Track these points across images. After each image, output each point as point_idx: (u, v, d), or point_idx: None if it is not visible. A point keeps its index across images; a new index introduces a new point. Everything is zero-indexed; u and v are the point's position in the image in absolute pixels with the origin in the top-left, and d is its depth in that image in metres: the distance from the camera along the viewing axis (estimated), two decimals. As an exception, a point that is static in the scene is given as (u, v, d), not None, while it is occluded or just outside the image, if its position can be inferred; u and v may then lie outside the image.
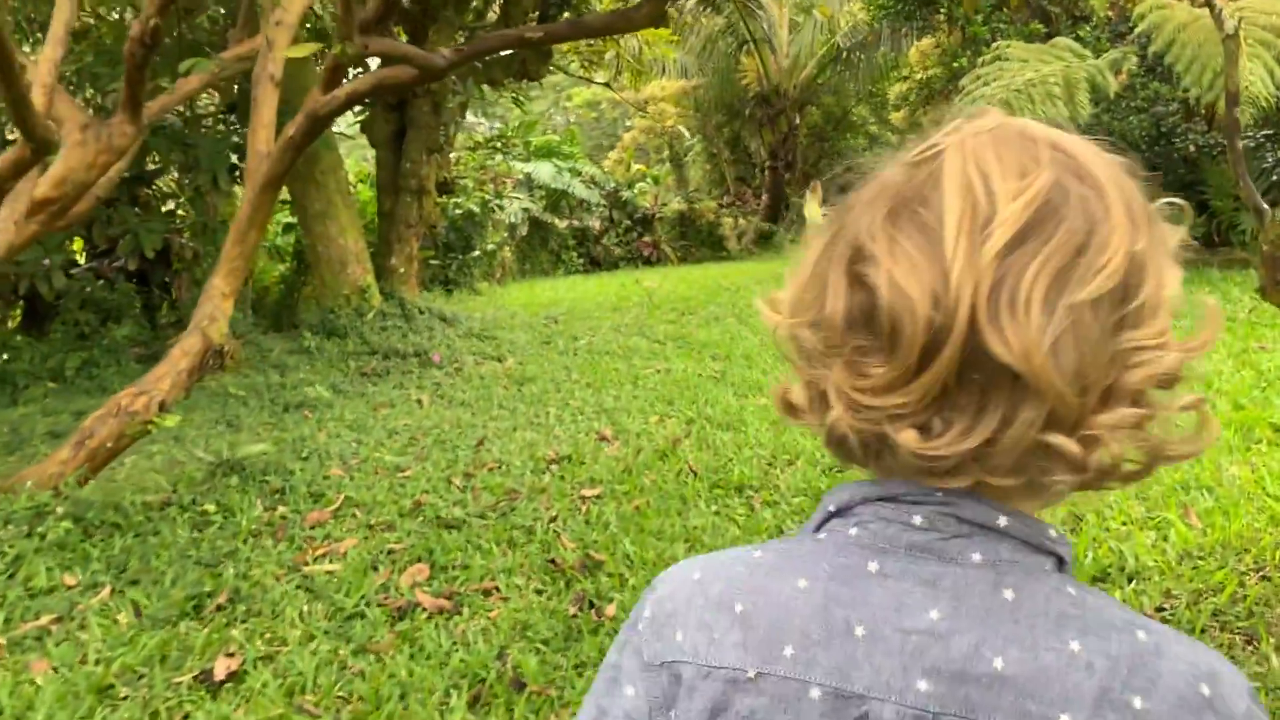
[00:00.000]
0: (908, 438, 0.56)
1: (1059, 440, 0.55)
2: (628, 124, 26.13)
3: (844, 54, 21.96)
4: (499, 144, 14.91)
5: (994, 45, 10.41)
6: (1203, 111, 10.69)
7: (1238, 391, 4.95)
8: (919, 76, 13.92)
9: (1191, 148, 10.32)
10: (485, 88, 10.92)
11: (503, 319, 10.22)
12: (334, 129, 11.63)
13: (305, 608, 3.26)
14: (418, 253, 10.01)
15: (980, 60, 10.44)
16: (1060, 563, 0.61)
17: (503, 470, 4.71)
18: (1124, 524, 3.43)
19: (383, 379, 7.34)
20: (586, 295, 12.90)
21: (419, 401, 6.51)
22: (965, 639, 0.56)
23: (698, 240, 20.72)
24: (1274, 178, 10.01)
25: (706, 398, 6.10)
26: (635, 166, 26.10)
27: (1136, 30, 10.06)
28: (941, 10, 12.10)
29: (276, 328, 9.38)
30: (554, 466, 4.74)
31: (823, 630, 0.59)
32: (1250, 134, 10.23)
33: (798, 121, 23.56)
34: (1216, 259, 9.96)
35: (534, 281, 15.67)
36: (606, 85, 11.56)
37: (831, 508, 0.65)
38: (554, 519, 3.96)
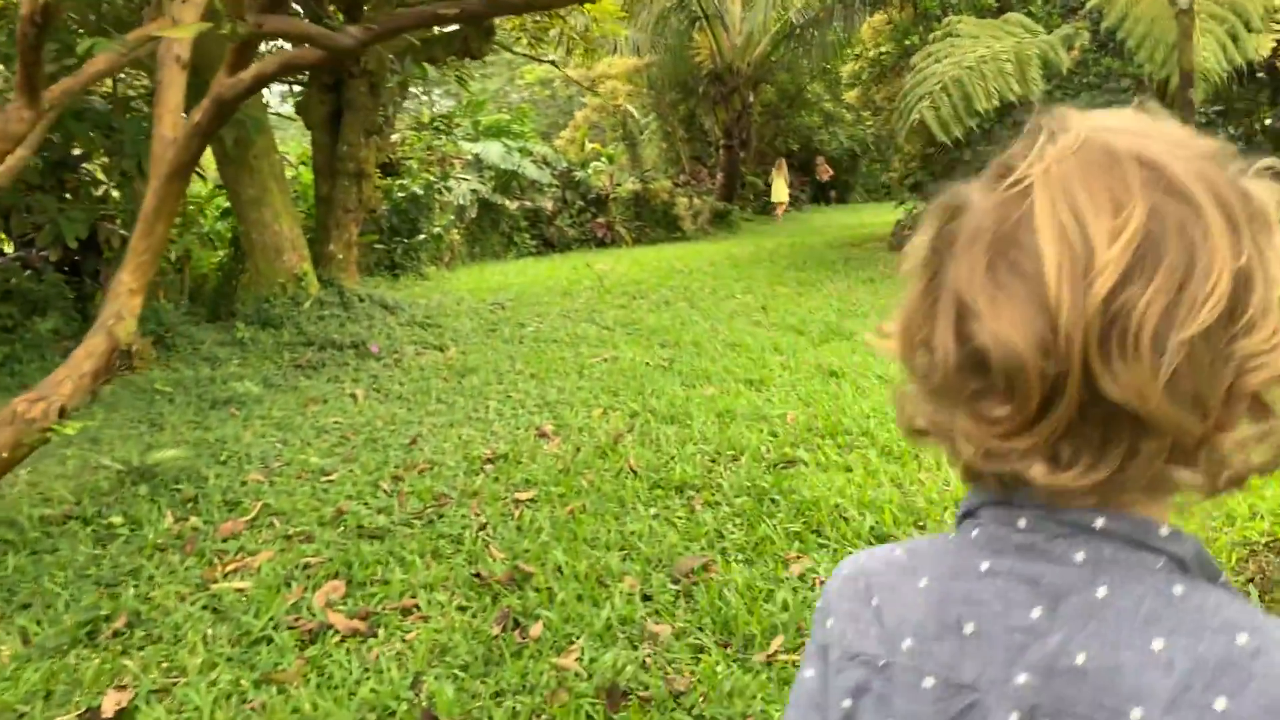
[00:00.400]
0: (1038, 472, 0.58)
1: (1183, 474, 0.59)
2: (582, 102, 25.76)
3: (797, 30, 21.78)
4: (442, 124, 14.53)
5: (945, 21, 10.28)
6: (1155, 88, 10.64)
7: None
8: (871, 54, 13.77)
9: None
10: (428, 67, 10.60)
11: (448, 305, 9.94)
12: (273, 111, 11.24)
13: (209, 631, 3.02)
14: (358, 238, 9.69)
15: (932, 36, 10.29)
16: (1180, 561, 0.61)
17: (434, 472, 4.49)
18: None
19: (317, 372, 7.06)
20: (537, 279, 12.64)
21: (353, 396, 6.24)
22: (1057, 636, 0.60)
23: (652, 221, 20.47)
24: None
25: (653, 388, 5.91)
26: (590, 145, 25.76)
27: (1088, 6, 9.97)
28: (893, -14, 11.94)
29: (214, 317, 9.03)
30: (489, 467, 4.53)
31: (937, 626, 0.65)
32: (1202, 109, 10.19)
33: (752, 99, 23.37)
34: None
35: (484, 265, 15.36)
36: (552, 63, 11.24)
37: (963, 510, 0.70)
38: (484, 526, 3.75)
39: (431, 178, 13.22)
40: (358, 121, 9.10)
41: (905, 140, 9.61)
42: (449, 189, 14.32)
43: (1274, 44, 8.65)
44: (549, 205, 18.68)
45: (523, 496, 4.05)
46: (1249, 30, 7.71)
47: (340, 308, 8.76)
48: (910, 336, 0.67)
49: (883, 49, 13.36)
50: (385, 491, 4.26)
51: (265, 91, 10.71)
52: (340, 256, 9.31)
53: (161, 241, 4.41)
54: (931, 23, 11.26)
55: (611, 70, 21.12)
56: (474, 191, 15.35)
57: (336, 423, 5.55)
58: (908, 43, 11.58)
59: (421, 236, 12.95)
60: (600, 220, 19.29)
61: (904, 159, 13.83)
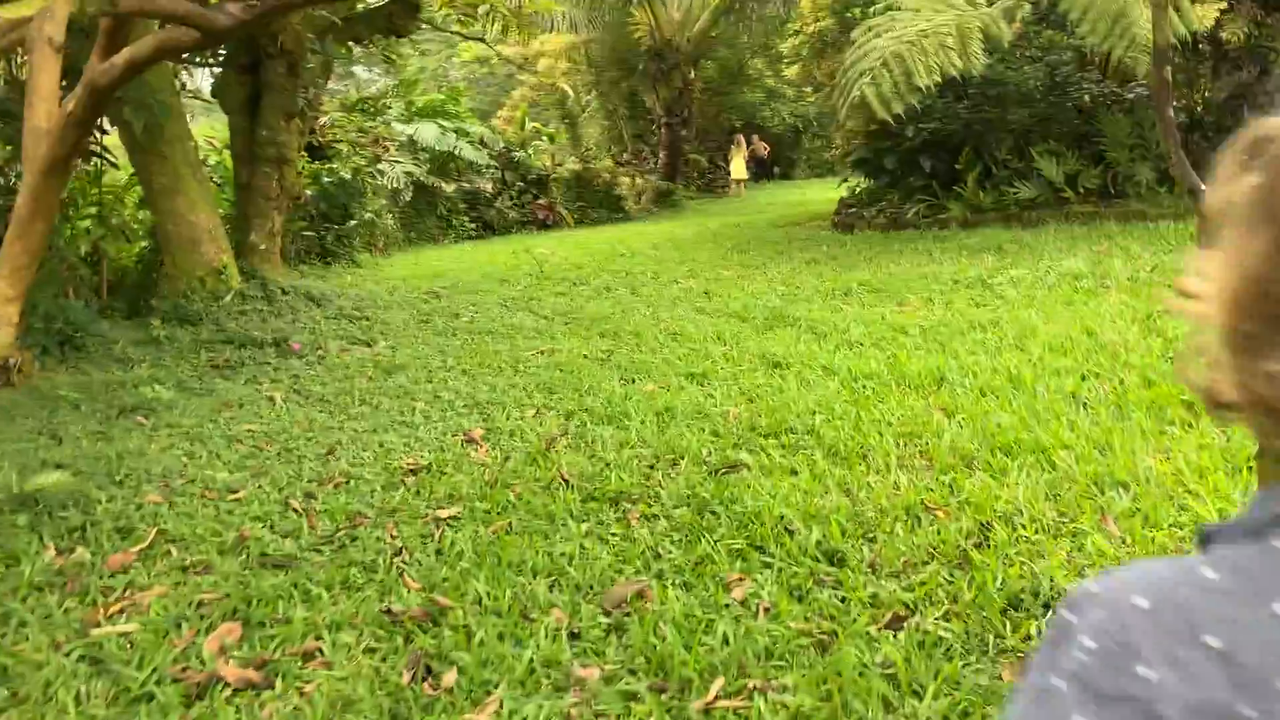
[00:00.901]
0: None
1: None
2: (521, 81, 25.23)
3: (736, 5, 21.48)
4: (369, 105, 14.01)
5: (884, -4, 10.03)
6: (1096, 61, 10.54)
7: (1146, 364, 4.68)
8: (811, 29, 13.54)
9: (1087, 98, 10.15)
10: (354, 46, 10.13)
11: (379, 295, 9.53)
12: (188, 95, 10.69)
13: (84, 688, 2.68)
14: (281, 227, 9.24)
15: (873, 10, 10.06)
16: None
17: (351, 487, 4.16)
18: (1035, 533, 3.08)
19: (235, 372, 6.65)
20: (474, 265, 12.25)
21: (271, 399, 5.86)
22: None
23: (595, 201, 20.11)
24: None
25: (590, 385, 5.62)
26: (531, 125, 25.27)
27: None
28: (832, -42, 11.68)
29: (134, 313, 8.54)
30: (411, 479, 4.21)
31: None
32: (1143, 84, 10.11)
33: (693, 76, 23.04)
34: (1113, 211, 9.85)
35: (421, 250, 14.90)
36: (481, 40, 10.83)
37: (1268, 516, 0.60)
38: (400, 551, 3.44)
39: (361, 161, 12.71)
40: (277, 104, 8.63)
41: (847, 117, 9.37)
42: (381, 172, 13.83)
43: (1217, 14, 8.54)
44: (488, 187, 18.24)
45: (445, 514, 3.74)
46: (1192, 1, 7.58)
47: (263, 301, 8.33)
48: (1263, 293, 0.59)
49: (823, 23, 13.14)
50: (296, 511, 3.93)
51: (185, 75, 10.19)
52: (263, 247, 8.86)
53: (41, 242, 4.01)
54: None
55: (548, 48, 20.65)
56: (408, 174, 14.88)
57: (250, 431, 5.17)
58: (848, 15, 11.34)
59: (353, 222, 12.47)
60: (541, 202, 18.89)
61: (846, 136, 13.62)
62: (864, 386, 5.05)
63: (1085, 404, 4.33)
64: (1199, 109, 9.99)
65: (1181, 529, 2.94)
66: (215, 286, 8.20)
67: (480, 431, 4.85)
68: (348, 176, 12.28)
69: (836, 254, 10.25)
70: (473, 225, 17.60)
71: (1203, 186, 1.93)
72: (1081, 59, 10.53)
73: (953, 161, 11.32)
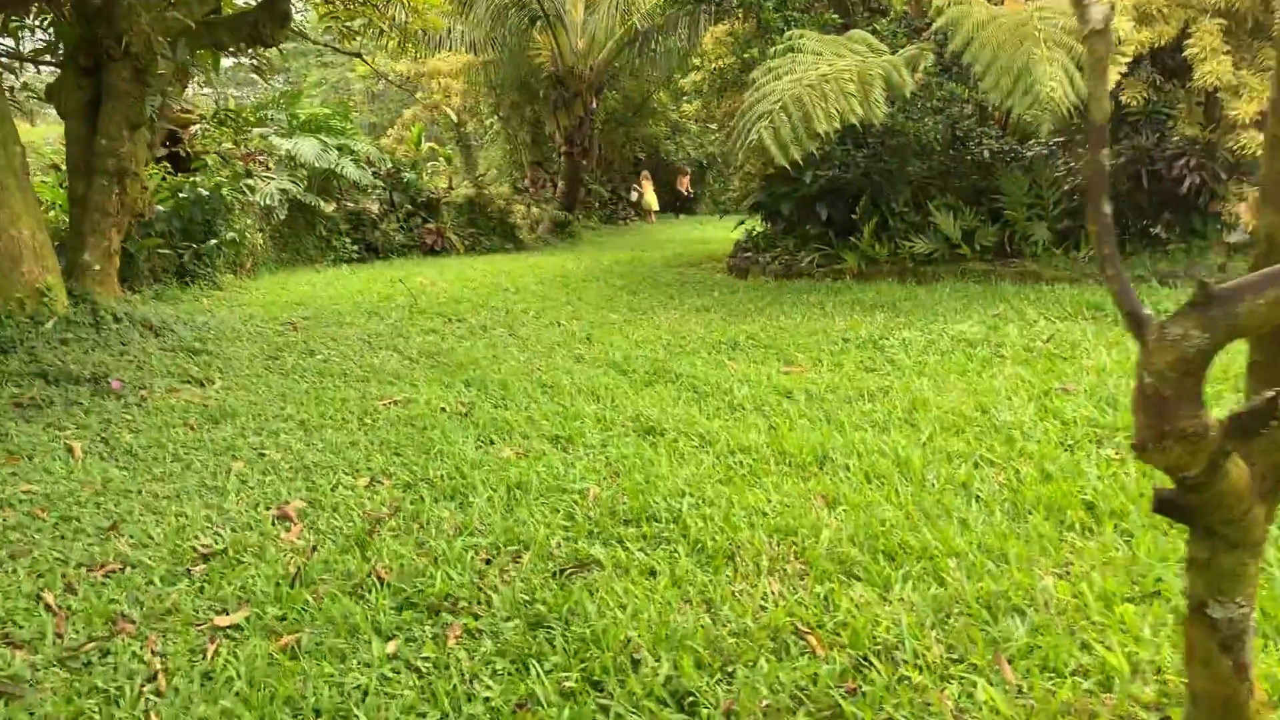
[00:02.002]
0: None
1: None
2: (417, 99, 24.49)
3: (640, 38, 21.25)
4: (229, 116, 13.15)
5: (787, 35, 9.80)
6: (996, 116, 10.49)
7: (1043, 453, 4.34)
8: (712, 66, 13.28)
9: (986, 153, 10.06)
10: (216, 54, 9.35)
11: (229, 325, 8.75)
12: (24, 94, 9.74)
13: None
14: (119, 245, 8.38)
15: (773, 51, 9.79)
16: None
17: (124, 576, 3.49)
18: (919, 672, 2.63)
19: (39, 413, 5.84)
20: (345, 293, 11.51)
21: (69, 450, 5.11)
22: None
23: (488, 228, 19.50)
24: (1065, 188, 9.87)
25: (441, 446, 5.04)
26: (426, 145, 24.56)
27: (934, 27, 9.67)
28: (735, -4, 11.45)
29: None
30: (199, 568, 3.55)
31: None
32: (1043, 141, 10.08)
33: (595, 105, 22.69)
34: (1008, 270, 9.74)
35: (293, 273, 14.05)
36: (357, 56, 10.18)
37: None
38: (156, 674, 2.80)
39: (223, 177, 11.86)
40: (119, 111, 7.82)
41: (744, 159, 9.04)
42: (252, 188, 12.97)
43: (1118, 77, 8.51)
44: (374, 208, 17.46)
45: (226, 622, 3.11)
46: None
47: (91, 329, 7.49)
48: None
49: (723, 61, 12.89)
50: (49, 608, 3.24)
51: (11, 74, 9.26)
52: (97, 267, 8.01)
53: None
54: (773, 36, 10.79)
55: (443, 66, 20.01)
56: (283, 191, 14.02)
57: (29, 493, 4.43)
58: (747, 56, 11.08)
59: (214, 241, 11.59)
60: (430, 226, 18.18)
61: (744, 178, 13.38)
62: (740, 462, 4.60)
63: (978, 497, 3.95)
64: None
65: (1087, 677, 2.53)
66: (36, 310, 7.33)
67: (298, 505, 4.21)
68: (205, 192, 11.40)
69: (728, 301, 9.88)
70: (355, 248, 16.79)
71: (1147, 313, 1.50)
72: (982, 113, 10.47)
73: (850, 210, 11.13)
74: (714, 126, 17.27)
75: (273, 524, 4.00)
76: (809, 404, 5.65)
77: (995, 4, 8.71)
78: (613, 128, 28.41)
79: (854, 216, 10.98)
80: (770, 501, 4.03)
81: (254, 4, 8.68)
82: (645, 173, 30.18)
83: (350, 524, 3.96)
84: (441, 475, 4.56)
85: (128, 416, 5.79)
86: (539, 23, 20.42)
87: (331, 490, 4.42)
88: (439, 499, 4.26)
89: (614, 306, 10.00)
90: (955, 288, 9.39)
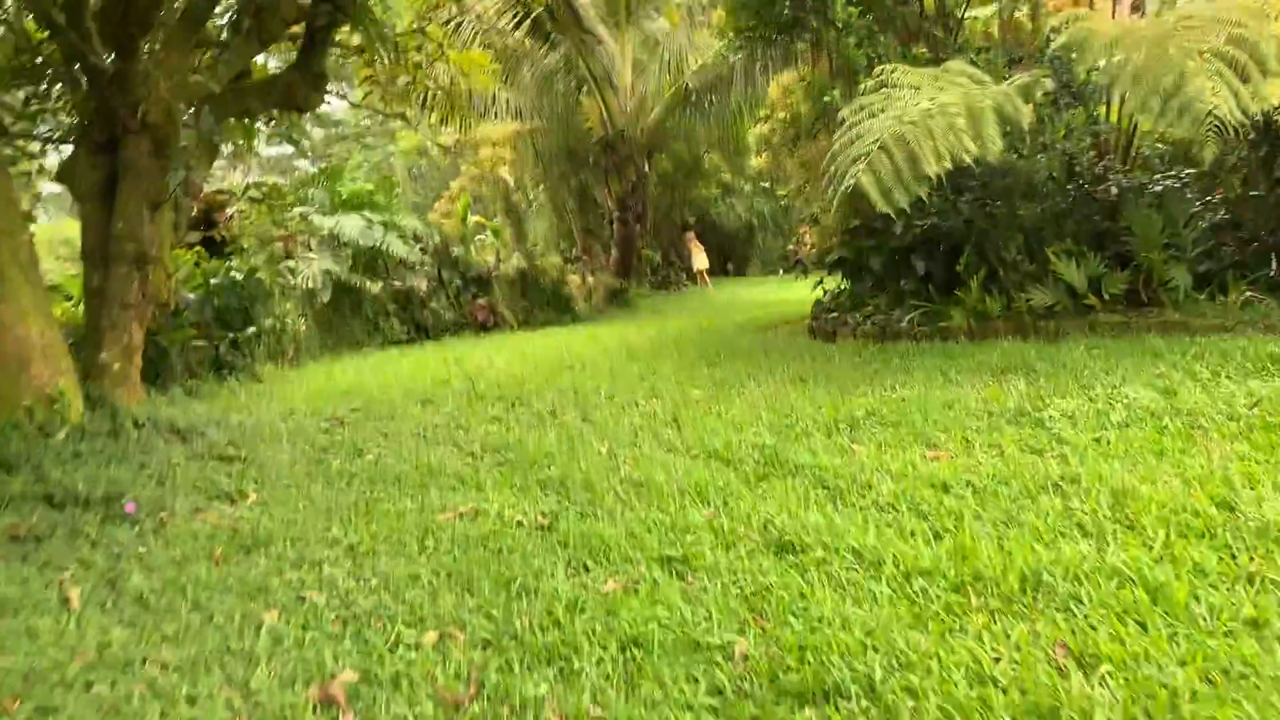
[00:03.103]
0: None
1: None
2: (463, 171, 24.01)
3: (693, 95, 20.59)
4: (261, 193, 12.50)
5: (877, 70, 8.87)
6: (1115, 148, 9.40)
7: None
8: (782, 115, 12.41)
9: (1114, 190, 8.95)
10: (249, 123, 8.65)
11: (268, 424, 7.87)
12: (28, 174, 9.11)
13: None
14: (141, 340, 7.57)
15: (861, 89, 8.84)
16: None
17: (100, 822, 2.47)
18: None
19: (38, 547, 4.91)
20: (396, 379, 10.64)
21: (65, 601, 4.15)
22: None
23: (541, 301, 18.73)
24: (1206, 224, 8.73)
25: (523, 578, 4.01)
26: (474, 219, 24.02)
27: (1051, 49, 8.68)
28: (808, 34, 10.58)
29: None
30: (208, 802, 2.53)
31: None
32: (1171, 175, 8.98)
33: (647, 169, 22.00)
34: (1146, 321, 8.57)
35: (340, 359, 13.26)
36: (403, 118, 9.43)
37: None
38: None
39: (264, 259, 11.16)
40: (138, 190, 7.07)
41: (822, 211, 8.06)
42: (294, 270, 12.26)
43: (1285, 92, 7.42)
44: (422, 286, 16.75)
45: None
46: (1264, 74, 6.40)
47: (108, 438, 6.63)
48: None
49: (796, 109, 12.02)
50: None
51: (25, 157, 8.62)
52: (116, 366, 7.19)
53: None
54: (856, 76, 9.89)
55: (491, 135, 19.46)
56: (327, 272, 13.31)
57: (2, 670, 3.45)
58: (828, 99, 10.17)
59: (252, 329, 10.83)
60: (481, 302, 17.43)
61: (823, 233, 12.43)
62: (925, 593, 3.50)
63: (1294, 647, 2.81)
64: (1239, 202, 8.84)
65: None
66: (46, 419, 6.49)
67: (347, 679, 3.19)
68: (239, 276, 10.67)
69: (825, 370, 8.80)
70: (403, 328, 16.05)
71: None
72: (1099, 147, 9.38)
73: (951, 263, 10.06)
74: (778, 182, 16.37)
75: (314, 712, 2.97)
76: (979, 501, 4.53)
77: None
78: (663, 191, 27.79)
79: (957, 269, 9.90)
80: (997, 659, 2.93)
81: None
82: (691, 235, 29.51)
83: (418, 710, 2.92)
84: (531, 625, 3.52)
85: (141, 549, 4.84)
86: (585, 87, 19.87)
87: (390, 652, 3.40)
88: (532, 665, 3.21)
89: (695, 381, 8.97)
90: (1091, 344, 8.23)
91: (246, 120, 8.07)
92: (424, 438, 7.31)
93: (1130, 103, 6.92)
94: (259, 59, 8.15)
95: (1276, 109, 7.73)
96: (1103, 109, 9.36)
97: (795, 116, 11.78)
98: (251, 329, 11.02)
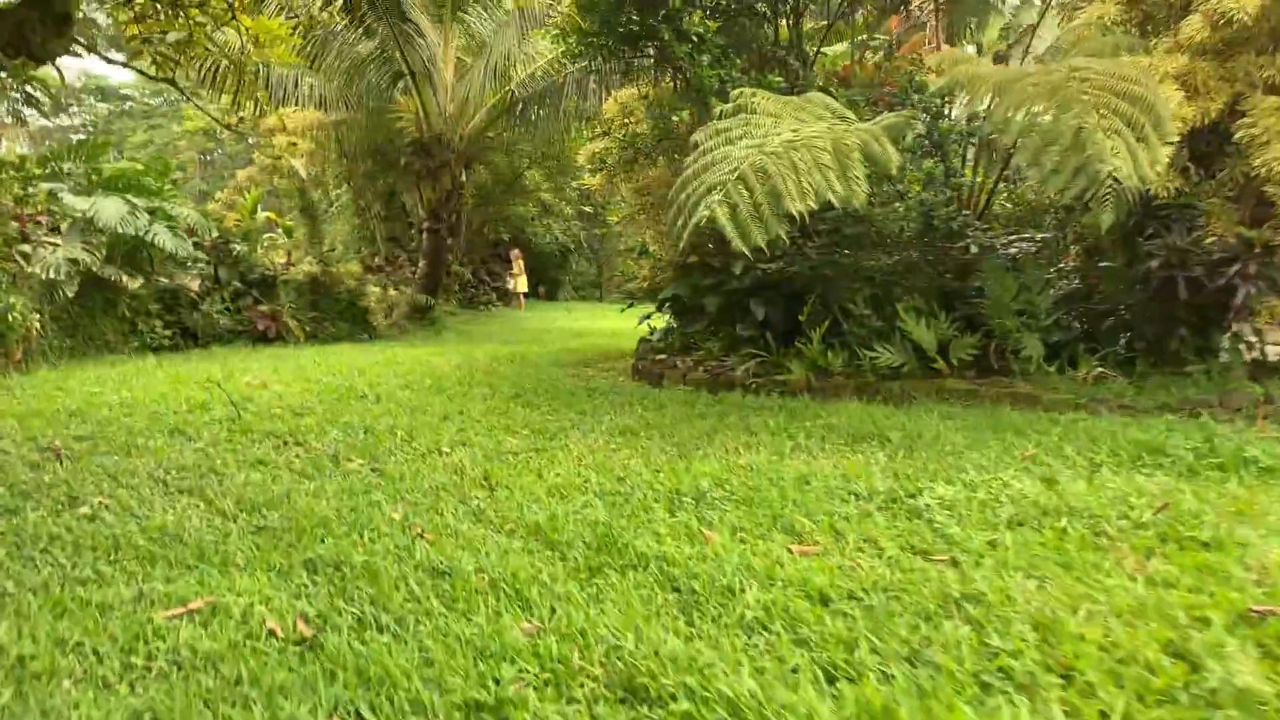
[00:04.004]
0: None
1: None
2: (253, 160, 21.90)
3: (520, 105, 19.52)
4: (7, 164, 10.49)
5: (735, 93, 8.10)
6: (972, 202, 9.02)
7: None
8: (620, 134, 11.54)
9: (974, 247, 8.52)
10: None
11: (-44, 454, 6.20)
12: None
13: None
14: None
15: (718, 111, 8.04)
16: None
17: None
18: None
19: None
20: (146, 396, 8.96)
21: None
22: None
23: (334, 312, 17.08)
24: (1058, 292, 8.42)
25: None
26: (263, 215, 21.95)
27: (930, 90, 8.15)
28: (655, 48, 9.76)
29: None
30: None
31: None
32: (1027, 236, 8.65)
33: (464, 178, 20.70)
34: (996, 391, 8.15)
35: (84, 366, 11.29)
36: (172, 84, 7.89)
37: None
38: None
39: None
40: None
41: (681, 241, 7.19)
42: (26, 256, 10.31)
43: (1167, 157, 7.10)
44: (194, 285, 14.82)
45: None
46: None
47: None
48: None
49: (636, 128, 11.17)
50: None
51: None
52: None
53: None
54: (706, 99, 9.13)
55: (288, 123, 17.68)
56: (74, 262, 11.34)
57: None
58: (675, 119, 9.37)
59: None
60: (263, 309, 15.62)
61: (654, 266, 11.62)
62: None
63: None
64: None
65: None
66: None
67: None
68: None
69: (657, 421, 7.90)
70: (167, 333, 14.09)
71: None
72: (959, 199, 8.98)
73: (793, 311, 9.44)
74: (611, 206, 15.52)
75: None
76: (870, 624, 3.67)
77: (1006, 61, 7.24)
78: (479, 204, 26.50)
79: (799, 318, 9.27)
80: None
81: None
82: (518, 252, 28.48)
83: None
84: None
85: None
86: (402, 83, 18.42)
87: None
88: None
89: (510, 425, 7.87)
90: (944, 413, 7.71)
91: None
92: (164, 484, 5.87)
93: (1020, 156, 6.43)
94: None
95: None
96: (957, 161, 9.01)
97: (634, 137, 10.95)
98: (-38, 324, 9.06)
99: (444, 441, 7.19)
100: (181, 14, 7.86)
